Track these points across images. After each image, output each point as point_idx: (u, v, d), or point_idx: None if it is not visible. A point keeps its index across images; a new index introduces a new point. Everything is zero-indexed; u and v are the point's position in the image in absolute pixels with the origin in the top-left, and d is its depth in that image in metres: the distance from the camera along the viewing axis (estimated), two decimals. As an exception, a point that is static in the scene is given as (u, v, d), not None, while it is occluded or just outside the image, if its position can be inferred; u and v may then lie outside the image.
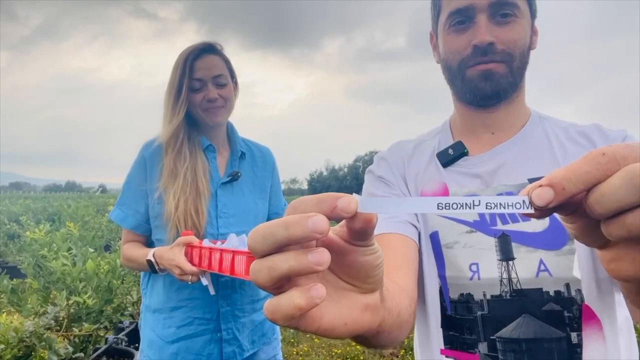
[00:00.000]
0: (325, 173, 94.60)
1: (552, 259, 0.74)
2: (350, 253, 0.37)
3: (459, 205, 0.34)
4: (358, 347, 4.51)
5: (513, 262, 0.76)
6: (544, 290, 0.74)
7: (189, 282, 1.26)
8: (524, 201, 0.33)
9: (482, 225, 0.78)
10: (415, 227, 0.83)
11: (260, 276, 0.34)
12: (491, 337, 0.76)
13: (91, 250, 3.10)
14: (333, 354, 4.34)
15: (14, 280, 2.87)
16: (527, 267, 0.75)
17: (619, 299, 0.76)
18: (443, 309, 0.81)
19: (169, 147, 1.39)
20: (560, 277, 0.74)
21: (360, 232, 0.35)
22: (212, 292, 1.31)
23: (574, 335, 0.73)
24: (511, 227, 0.77)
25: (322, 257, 0.33)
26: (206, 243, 1.28)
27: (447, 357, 0.80)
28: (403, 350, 4.39)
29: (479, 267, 0.77)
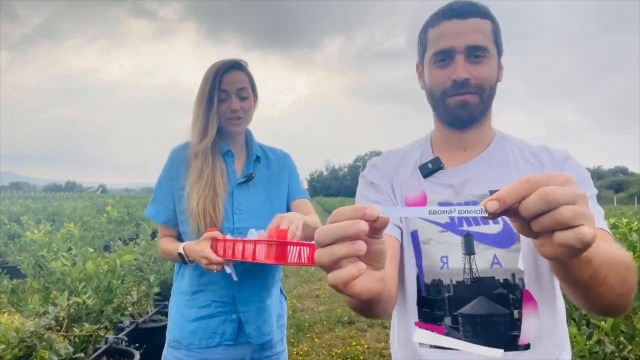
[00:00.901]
0: (325, 173, 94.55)
1: (503, 254, 0.97)
2: (370, 243, 0.56)
3: (442, 212, 0.54)
4: (358, 347, 4.51)
5: (474, 256, 0.98)
6: (495, 278, 0.97)
7: (214, 271, 1.45)
8: (481, 209, 0.53)
9: (451, 226, 1.00)
10: (400, 227, 1.05)
11: (323, 259, 0.54)
12: (454, 313, 0.98)
13: (91, 250, 3.10)
14: (333, 353, 4.34)
15: (14, 280, 2.87)
16: (484, 260, 0.97)
17: (558, 285, 0.97)
18: (419, 291, 1.03)
19: (200, 154, 1.58)
20: (508, 268, 0.97)
21: (378, 229, 0.55)
22: (234, 278, 1.49)
23: (516, 312, 0.96)
24: (474, 228, 0.99)
25: (362, 246, 0.53)
26: (229, 238, 1.47)
27: (420, 327, 1.03)
28: (403, 350, 4.40)
29: (448, 259, 1.00)
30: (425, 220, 1.02)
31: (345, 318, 5.48)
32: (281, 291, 1.81)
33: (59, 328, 2.42)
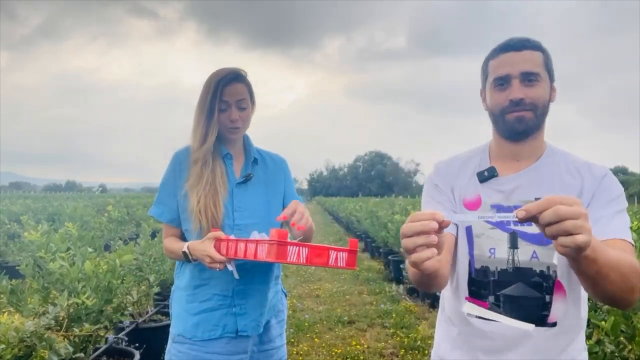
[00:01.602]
0: (325, 173, 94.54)
1: (541, 250, 1.18)
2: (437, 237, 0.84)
3: (487, 217, 0.84)
4: (358, 347, 4.51)
5: (517, 250, 1.19)
6: (533, 269, 1.18)
7: (217, 269, 1.53)
8: (514, 215, 0.80)
9: (500, 224, 1.21)
10: (456, 225, 1.28)
11: (409, 245, 0.83)
12: (497, 293, 1.21)
13: (90, 250, 3.10)
14: (333, 353, 4.34)
15: (14, 280, 2.87)
16: (525, 253, 1.19)
17: None
18: (470, 273, 1.26)
19: (200, 159, 1.67)
20: (544, 262, 1.18)
21: (442, 228, 0.84)
22: (236, 276, 1.57)
23: (547, 297, 1.18)
24: (519, 228, 1.19)
25: (434, 238, 0.82)
26: (232, 238, 1.55)
27: (469, 302, 1.26)
28: (403, 350, 4.39)
29: (495, 251, 1.21)
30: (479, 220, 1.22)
31: (345, 318, 5.48)
32: (282, 289, 1.89)
33: (58, 328, 2.42)
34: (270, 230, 1.36)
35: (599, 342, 2.19)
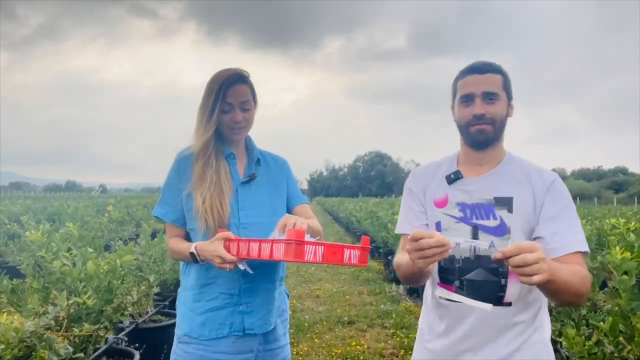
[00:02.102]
0: (325, 173, 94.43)
1: (497, 241, 1.39)
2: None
3: (469, 242, 1.24)
4: (358, 347, 4.52)
5: (477, 241, 1.35)
6: (491, 256, 1.31)
7: (227, 269, 1.54)
8: (486, 247, 1.28)
9: (464, 219, 1.44)
10: (427, 224, 1.52)
11: (422, 255, 1.16)
12: (461, 278, 1.41)
13: (91, 250, 3.09)
14: (333, 354, 4.34)
15: (14, 280, 2.87)
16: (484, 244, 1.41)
17: None
18: (439, 263, 1.46)
19: (199, 156, 1.69)
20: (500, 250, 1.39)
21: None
22: (250, 271, 1.58)
23: (503, 280, 1.38)
24: (479, 222, 1.42)
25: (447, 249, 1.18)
26: (244, 238, 1.58)
27: (439, 286, 1.47)
28: (403, 351, 4.40)
29: (460, 242, 1.32)
30: (446, 215, 1.47)
31: (345, 318, 5.48)
32: (284, 289, 1.91)
33: (58, 328, 2.42)
34: (287, 230, 1.40)
35: (598, 342, 2.19)
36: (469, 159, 1.51)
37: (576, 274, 1.26)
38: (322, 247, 1.36)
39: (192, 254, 1.62)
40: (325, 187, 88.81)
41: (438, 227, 1.48)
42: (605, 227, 5.17)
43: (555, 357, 2.95)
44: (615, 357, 2.12)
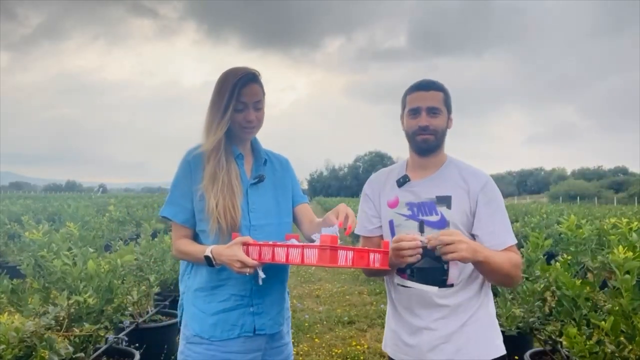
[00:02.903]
0: (325, 173, 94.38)
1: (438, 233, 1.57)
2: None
3: (421, 240, 1.49)
4: (358, 347, 4.51)
5: (424, 234, 1.61)
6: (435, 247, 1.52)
7: (247, 274, 1.55)
8: (425, 240, 1.49)
9: (412, 216, 1.67)
10: (380, 226, 1.76)
11: (404, 254, 1.47)
12: (411, 267, 1.61)
13: (91, 250, 3.09)
14: (333, 354, 4.34)
15: (14, 280, 2.87)
16: None
17: None
18: None
19: (211, 157, 1.69)
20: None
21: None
22: (260, 282, 1.60)
23: (445, 266, 1.60)
24: (425, 218, 1.65)
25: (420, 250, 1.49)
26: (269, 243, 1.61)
27: (397, 275, 1.70)
28: (403, 350, 4.39)
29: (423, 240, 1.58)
30: (397, 214, 1.70)
31: (345, 318, 5.48)
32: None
33: (59, 328, 2.42)
34: (320, 235, 1.43)
35: (599, 342, 2.19)
36: (415, 164, 1.74)
37: (509, 260, 1.56)
38: (352, 252, 1.41)
39: (207, 257, 1.60)
40: (325, 187, 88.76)
41: (391, 224, 1.71)
42: (605, 227, 5.17)
43: (556, 357, 2.95)
44: (617, 357, 2.12)
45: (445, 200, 1.63)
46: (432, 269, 1.58)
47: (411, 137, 1.68)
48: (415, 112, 1.65)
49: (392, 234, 1.69)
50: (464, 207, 1.62)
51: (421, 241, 1.46)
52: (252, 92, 1.68)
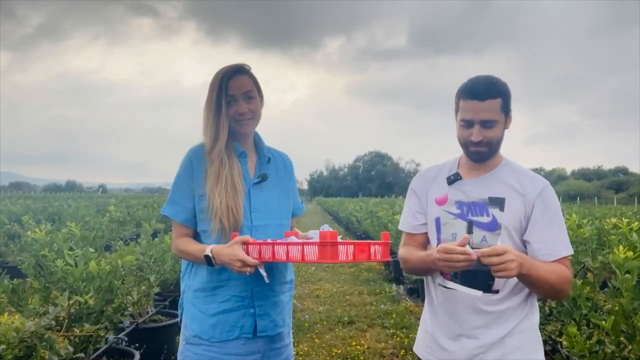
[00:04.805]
0: (325, 173, 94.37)
1: (489, 235, 1.55)
2: None
3: (472, 249, 1.37)
4: (358, 347, 4.51)
5: (472, 235, 1.55)
6: (482, 248, 1.42)
7: (247, 273, 1.54)
8: (475, 255, 1.35)
9: (461, 216, 1.59)
10: (424, 223, 1.69)
11: (456, 259, 1.37)
12: None
13: (92, 250, 3.10)
14: (333, 354, 4.34)
15: (15, 280, 2.87)
16: (477, 237, 1.56)
17: None
18: None
19: (214, 156, 1.67)
20: (491, 243, 1.50)
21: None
22: (266, 280, 1.59)
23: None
24: (474, 218, 1.57)
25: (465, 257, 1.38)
26: (268, 241, 1.59)
27: (440, 274, 1.60)
28: (403, 351, 4.39)
29: (456, 235, 1.57)
30: (445, 212, 1.61)
31: (345, 318, 5.48)
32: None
33: (59, 328, 2.42)
34: (319, 232, 1.42)
35: (599, 342, 2.19)
36: (469, 164, 1.65)
37: (555, 272, 1.46)
38: (352, 246, 1.40)
39: (207, 257, 1.59)
40: (325, 187, 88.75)
41: (437, 222, 1.64)
42: (605, 227, 5.17)
43: (556, 357, 2.94)
44: (617, 357, 2.12)
45: (498, 202, 1.55)
46: (478, 272, 1.46)
47: (463, 146, 1.60)
48: (468, 124, 1.54)
49: (438, 232, 1.63)
50: (518, 211, 1.53)
51: (471, 254, 1.36)
52: (239, 83, 1.67)
